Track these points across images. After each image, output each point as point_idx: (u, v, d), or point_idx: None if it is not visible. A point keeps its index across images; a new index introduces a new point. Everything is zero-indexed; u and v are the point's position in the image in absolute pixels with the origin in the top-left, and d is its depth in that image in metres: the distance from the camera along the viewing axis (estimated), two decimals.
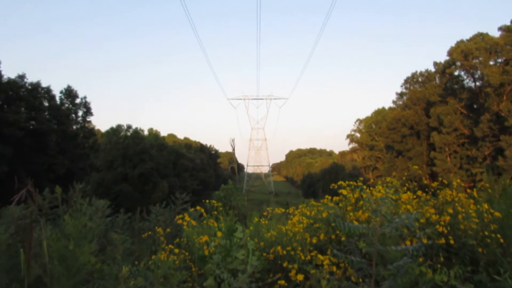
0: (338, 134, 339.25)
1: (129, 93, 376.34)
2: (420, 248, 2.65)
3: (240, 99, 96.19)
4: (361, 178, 4.72)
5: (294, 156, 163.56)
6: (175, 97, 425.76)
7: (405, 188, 4.43)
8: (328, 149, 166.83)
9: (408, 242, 3.17)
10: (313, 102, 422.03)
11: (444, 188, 4.07)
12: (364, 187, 4.03)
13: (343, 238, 3.68)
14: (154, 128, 75.13)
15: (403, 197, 4.04)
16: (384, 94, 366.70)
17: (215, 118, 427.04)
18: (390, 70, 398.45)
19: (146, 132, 58.81)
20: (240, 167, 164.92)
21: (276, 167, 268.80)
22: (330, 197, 4.56)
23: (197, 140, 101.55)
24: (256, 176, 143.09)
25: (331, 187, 4.46)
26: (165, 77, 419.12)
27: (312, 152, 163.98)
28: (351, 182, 4.32)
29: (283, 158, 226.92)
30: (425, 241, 3.09)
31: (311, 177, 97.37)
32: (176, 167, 59.90)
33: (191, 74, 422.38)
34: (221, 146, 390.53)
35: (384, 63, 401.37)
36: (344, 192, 4.27)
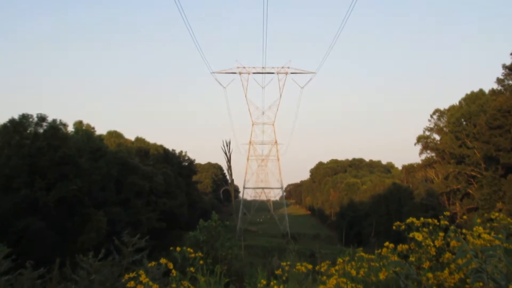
0: (401, 136, 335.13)
1: (44, 68, 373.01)
2: None
3: (234, 72, 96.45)
4: (447, 213, 4.60)
5: (325, 173, 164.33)
6: (121, 74, 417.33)
7: None
8: (384, 161, 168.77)
9: None
10: (357, 81, 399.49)
11: None
12: (452, 227, 3.99)
13: None
14: (85, 122, 75.17)
15: None
16: (481, 69, 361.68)
17: (190, 108, 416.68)
18: (490, 28, 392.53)
19: (71, 128, 59.17)
20: (235, 191, 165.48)
21: (293, 191, 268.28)
22: (391, 245, 4.53)
23: (158, 142, 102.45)
24: (260, 206, 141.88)
25: (393, 227, 4.41)
26: (106, 43, 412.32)
27: (356, 165, 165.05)
28: (431, 220, 4.24)
29: (305, 176, 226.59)
30: None
31: (355, 208, 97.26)
32: (123, 189, 60.09)
33: (150, 36, 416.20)
34: (200, 155, 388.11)
35: (482, 16, 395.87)
36: (418, 236, 4.15)
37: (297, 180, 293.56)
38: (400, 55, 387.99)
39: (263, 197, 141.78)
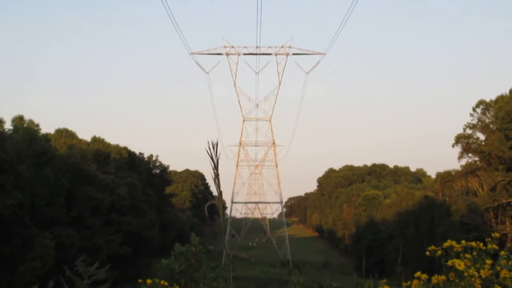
0: (435, 136, 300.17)
1: None
2: None
3: (220, 53, 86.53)
4: (496, 235, 4.10)
5: (336, 183, 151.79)
6: (74, 59, 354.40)
7: None
8: (413, 168, 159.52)
9: None
10: (379, 65, 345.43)
11: None
12: (503, 253, 3.78)
13: None
14: (27, 118, 67.27)
15: None
16: None
17: (163, 100, 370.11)
18: None
19: (8, 125, 54.60)
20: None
21: (296, 207, 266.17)
22: (424, 276, 4.09)
23: (122, 144, 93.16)
24: (252, 226, 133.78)
25: (427, 252, 4.06)
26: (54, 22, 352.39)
27: (377, 173, 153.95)
28: (475, 244, 3.88)
29: (312, 187, 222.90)
30: None
31: (375, 229, 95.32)
32: (75, 204, 57.25)
33: (108, 6, 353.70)
34: (175, 160, 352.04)
35: None
36: (459, 265, 3.80)
37: (301, 192, 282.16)
38: (437, 34, 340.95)
39: (257, 215, 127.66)
